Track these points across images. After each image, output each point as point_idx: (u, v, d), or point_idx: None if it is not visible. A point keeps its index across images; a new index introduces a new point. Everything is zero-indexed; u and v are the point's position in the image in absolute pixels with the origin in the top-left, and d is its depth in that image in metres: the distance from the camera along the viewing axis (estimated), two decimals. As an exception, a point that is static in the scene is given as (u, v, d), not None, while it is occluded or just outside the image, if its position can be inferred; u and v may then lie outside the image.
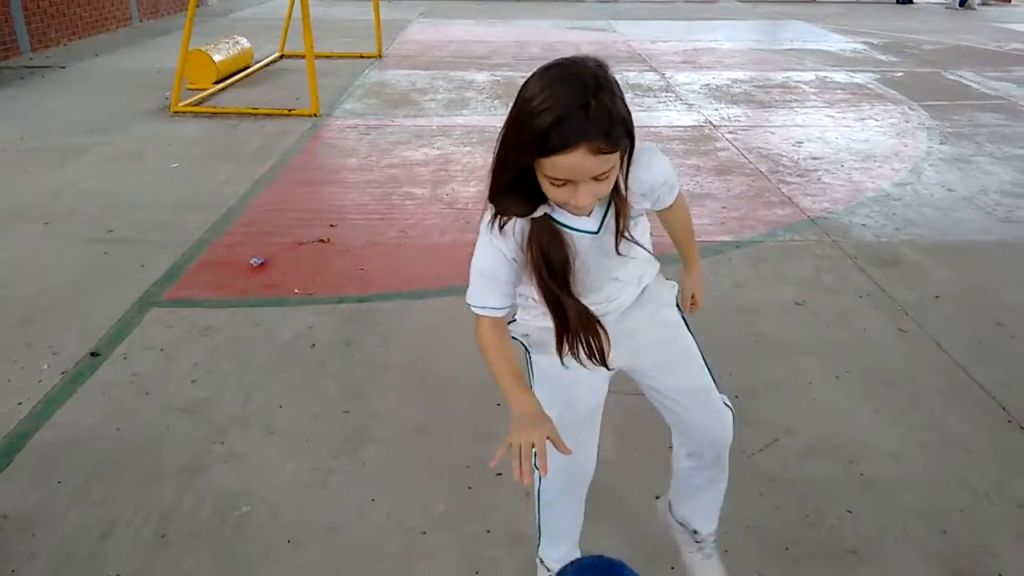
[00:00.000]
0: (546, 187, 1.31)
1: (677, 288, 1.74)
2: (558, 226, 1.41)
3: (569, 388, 1.62)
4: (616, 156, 1.29)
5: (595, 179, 1.29)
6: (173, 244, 3.99)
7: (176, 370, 2.89)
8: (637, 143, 1.37)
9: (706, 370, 1.70)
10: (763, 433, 2.59)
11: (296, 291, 3.54)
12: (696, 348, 1.70)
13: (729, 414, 1.74)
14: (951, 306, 3.47)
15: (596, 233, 1.43)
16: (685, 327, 1.70)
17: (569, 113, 1.22)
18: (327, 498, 2.27)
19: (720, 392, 1.73)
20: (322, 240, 4.10)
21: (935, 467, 2.44)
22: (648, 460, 2.40)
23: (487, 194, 1.39)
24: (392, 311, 3.36)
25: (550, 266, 1.40)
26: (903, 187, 5.06)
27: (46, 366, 2.90)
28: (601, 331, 1.48)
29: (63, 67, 8.61)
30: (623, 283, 1.56)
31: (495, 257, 1.42)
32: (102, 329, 3.16)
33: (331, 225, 4.30)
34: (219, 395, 2.74)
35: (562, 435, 1.36)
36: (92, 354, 2.98)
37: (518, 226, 1.40)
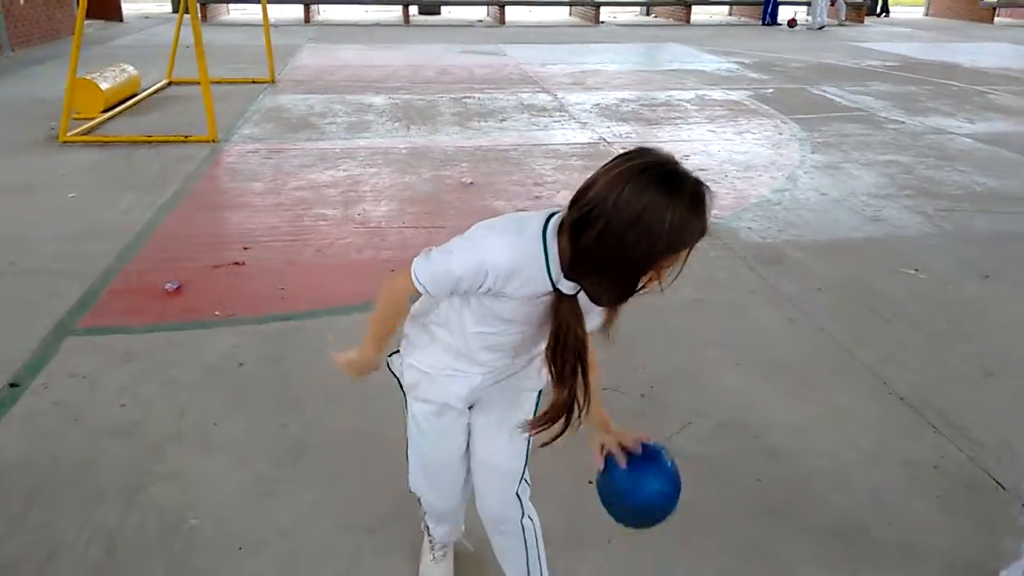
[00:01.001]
0: (645, 278, 1.37)
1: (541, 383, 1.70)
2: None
3: (436, 436, 1.72)
4: None
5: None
6: (81, 273, 3.91)
7: (102, 395, 2.87)
8: None
9: (522, 463, 1.74)
10: (678, 417, 2.81)
11: (217, 313, 3.55)
12: (526, 442, 1.72)
13: (517, 510, 1.78)
14: (832, 296, 3.83)
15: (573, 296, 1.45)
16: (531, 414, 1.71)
17: (684, 223, 1.30)
18: (274, 505, 2.33)
19: (523, 500, 1.79)
20: (237, 263, 4.11)
21: (830, 436, 2.72)
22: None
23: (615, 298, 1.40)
24: (318, 327, 3.42)
25: (574, 340, 1.43)
26: (782, 193, 5.50)
27: (-39, 400, 2.82)
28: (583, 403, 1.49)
29: (-68, 98, 8.16)
30: (534, 354, 1.61)
31: (500, 266, 1.38)
32: (18, 361, 3.08)
33: (244, 248, 4.31)
34: (150, 416, 2.75)
35: (429, 474, 1.78)
36: (11, 385, 2.91)
37: (534, 283, 1.40)
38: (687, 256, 1.36)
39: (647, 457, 1.59)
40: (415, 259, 1.49)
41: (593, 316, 1.49)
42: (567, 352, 1.44)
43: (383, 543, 2.20)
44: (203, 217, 4.86)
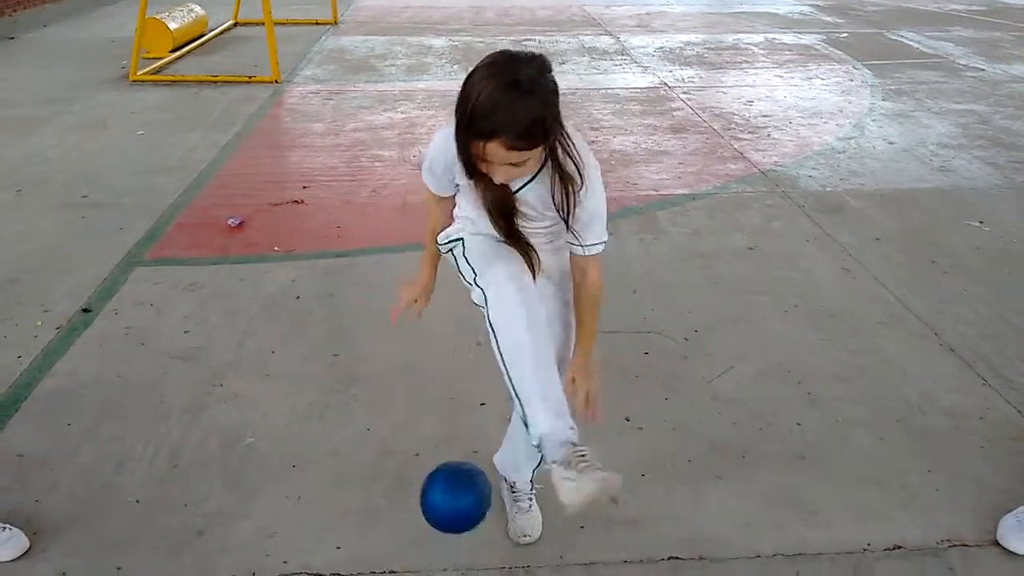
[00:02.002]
0: (474, 156, 1.48)
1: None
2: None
3: (507, 253, 1.69)
4: (533, 151, 1.44)
5: (512, 164, 1.45)
6: (149, 207, 4.08)
7: (167, 322, 3.03)
8: (578, 146, 1.56)
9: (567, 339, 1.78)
10: (720, 361, 2.83)
11: (276, 248, 3.67)
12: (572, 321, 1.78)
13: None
14: (890, 247, 3.75)
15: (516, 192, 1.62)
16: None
17: (490, 109, 1.37)
18: (325, 429, 2.45)
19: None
20: (296, 201, 4.23)
21: (874, 385, 2.71)
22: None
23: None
24: (371, 264, 3.53)
25: (498, 204, 1.62)
26: (847, 141, 5.34)
27: (40, 322, 3.01)
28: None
29: (12, 38, 8.46)
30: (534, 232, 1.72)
31: (437, 158, 1.64)
32: (90, 287, 3.27)
33: (303, 187, 4.43)
34: (212, 343, 2.89)
35: (511, 297, 1.58)
36: (84, 310, 3.10)
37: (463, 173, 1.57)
38: (511, 161, 1.43)
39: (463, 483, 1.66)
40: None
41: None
42: (498, 216, 1.63)
43: (428, 464, 2.30)
44: (265, 156, 4.99)
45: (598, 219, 1.64)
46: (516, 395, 1.59)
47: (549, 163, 1.56)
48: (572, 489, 1.50)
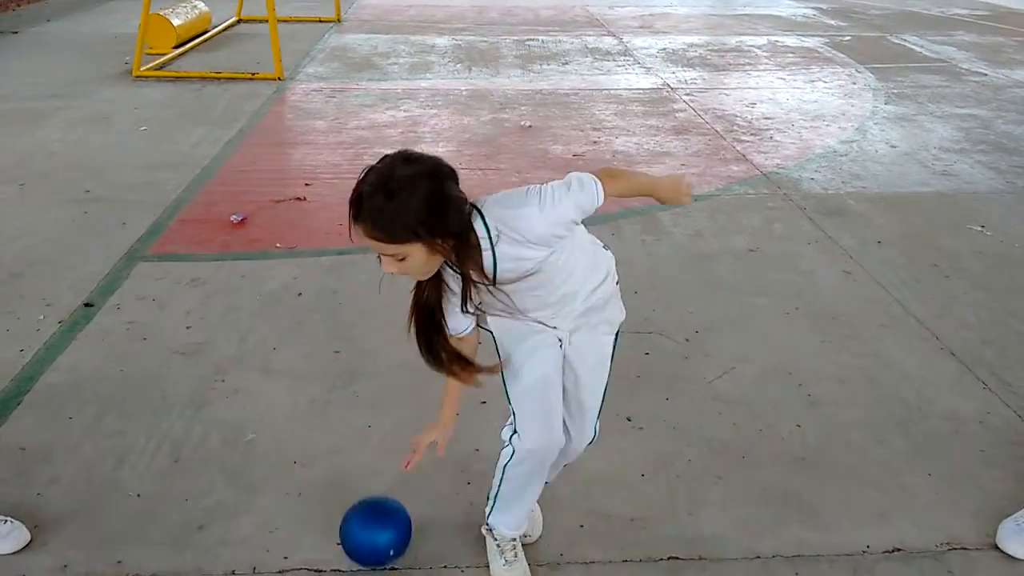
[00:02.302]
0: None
1: (623, 316, 1.85)
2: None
3: (533, 355, 1.76)
4: (404, 247, 1.45)
5: (393, 257, 1.48)
6: (151, 203, 4.09)
7: (170, 318, 3.03)
8: (495, 203, 1.55)
9: (601, 399, 1.88)
10: (721, 362, 2.84)
11: (278, 245, 3.68)
12: (606, 379, 1.86)
13: (591, 435, 1.92)
14: (891, 250, 3.76)
15: (492, 284, 1.59)
16: (609, 358, 1.85)
17: (357, 197, 1.45)
18: (327, 425, 2.46)
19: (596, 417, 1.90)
20: (299, 198, 4.23)
21: (874, 388, 2.71)
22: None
23: None
24: (373, 262, 3.50)
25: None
26: (849, 144, 5.35)
27: (42, 316, 3.01)
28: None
29: (15, 32, 8.47)
30: (566, 298, 1.71)
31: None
32: (92, 282, 3.27)
33: (306, 184, 4.43)
34: (214, 339, 2.90)
35: (537, 397, 1.75)
36: (86, 305, 3.10)
37: None
38: (381, 252, 1.49)
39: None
40: (594, 185, 1.61)
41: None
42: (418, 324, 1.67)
43: (429, 464, 2.30)
44: (267, 153, 4.99)
45: (580, 200, 1.58)
46: (495, 495, 1.92)
47: (492, 241, 1.54)
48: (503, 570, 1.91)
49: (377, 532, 1.93)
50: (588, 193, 1.59)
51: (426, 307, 1.63)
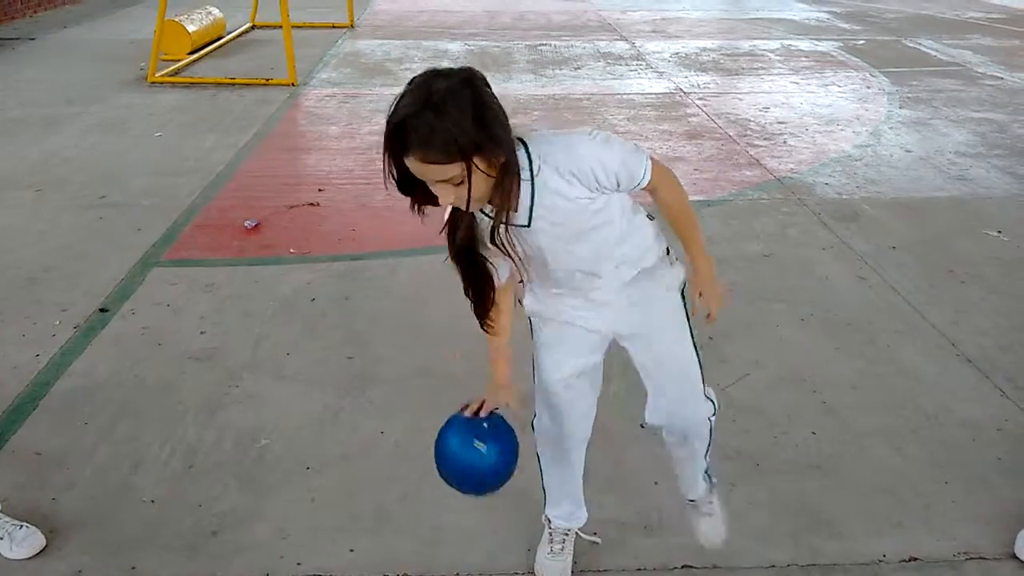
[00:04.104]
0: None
1: (683, 275, 1.75)
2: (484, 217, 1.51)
3: (555, 349, 1.75)
4: (458, 165, 1.35)
5: (450, 183, 1.38)
6: (166, 208, 4.11)
7: (184, 323, 3.05)
8: (540, 137, 1.49)
9: (694, 360, 1.77)
10: (735, 368, 2.82)
11: (292, 251, 3.69)
12: (688, 337, 1.75)
13: (708, 407, 1.82)
14: (906, 255, 3.73)
15: (527, 226, 1.52)
16: (682, 314, 1.74)
17: (400, 124, 1.34)
18: (339, 431, 2.46)
19: (707, 387, 1.82)
20: (312, 204, 4.25)
21: (890, 394, 2.69)
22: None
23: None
24: (386, 267, 3.54)
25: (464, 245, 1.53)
26: (864, 149, 5.32)
27: (58, 322, 3.03)
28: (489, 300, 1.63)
29: (32, 39, 8.55)
30: (597, 265, 1.63)
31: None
32: (107, 287, 3.29)
33: (319, 189, 4.45)
34: (228, 345, 2.91)
35: (548, 393, 1.76)
36: (101, 310, 3.12)
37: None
38: (439, 179, 1.37)
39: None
40: (646, 160, 1.55)
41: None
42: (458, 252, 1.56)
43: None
44: (281, 158, 5.02)
45: (628, 159, 1.52)
46: (543, 486, 1.95)
47: (533, 171, 1.47)
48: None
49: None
50: (638, 160, 1.53)
51: (466, 248, 1.53)
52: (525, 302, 1.76)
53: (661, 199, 1.64)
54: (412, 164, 1.37)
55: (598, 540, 2.05)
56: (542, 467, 1.94)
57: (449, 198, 1.42)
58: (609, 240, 1.62)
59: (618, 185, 1.53)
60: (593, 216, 1.56)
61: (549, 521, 1.99)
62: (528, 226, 1.53)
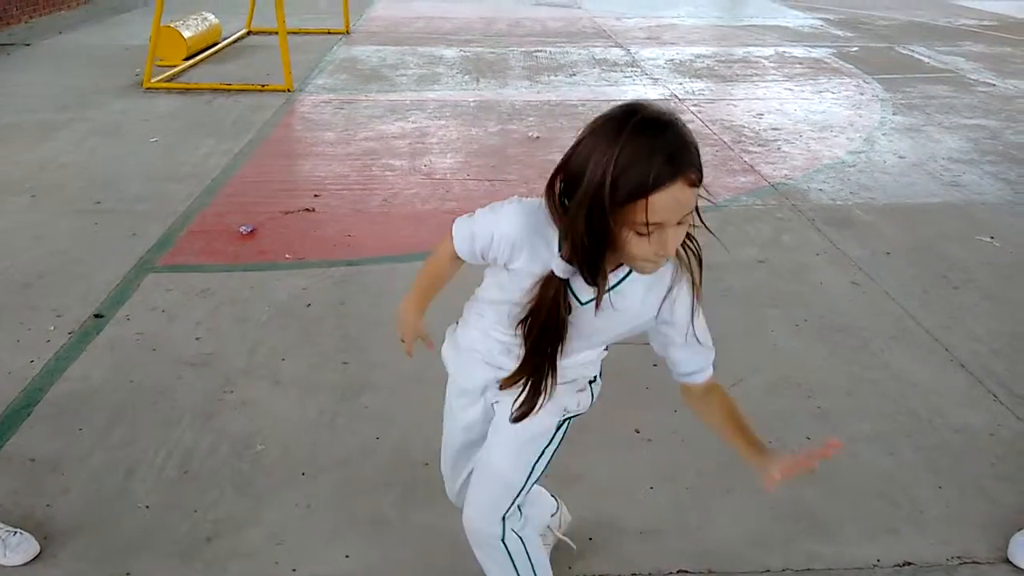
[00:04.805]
0: (631, 242, 1.24)
1: (584, 407, 1.61)
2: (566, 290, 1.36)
3: (452, 417, 1.73)
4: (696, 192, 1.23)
5: (679, 224, 1.24)
6: (162, 214, 4.11)
7: (179, 329, 3.05)
8: None
9: (516, 484, 1.60)
10: (730, 374, 2.81)
11: (287, 256, 3.70)
12: (527, 463, 1.59)
13: (499, 531, 1.62)
14: (900, 261, 3.75)
15: (583, 304, 1.38)
16: (545, 441, 1.59)
17: (683, 142, 1.21)
18: (335, 436, 2.46)
19: (507, 524, 1.63)
20: (308, 209, 4.25)
21: (884, 400, 2.70)
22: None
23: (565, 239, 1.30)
24: (381, 273, 3.54)
25: (548, 324, 1.36)
26: (857, 155, 5.35)
27: (52, 327, 3.03)
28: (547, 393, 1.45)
29: (28, 44, 8.54)
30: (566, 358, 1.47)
31: (503, 232, 1.37)
32: (102, 293, 3.29)
33: (315, 195, 4.45)
34: (223, 350, 2.91)
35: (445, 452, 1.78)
36: (96, 316, 3.12)
37: (542, 259, 1.34)
38: (682, 216, 1.23)
39: None
40: (457, 219, 1.49)
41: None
42: (538, 332, 1.36)
43: (437, 476, 2.30)
44: (277, 164, 5.02)
45: (706, 333, 1.44)
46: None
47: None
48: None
49: None
50: (707, 350, 1.48)
51: (559, 319, 1.36)
52: (444, 349, 1.69)
53: (720, 392, 1.55)
54: (671, 194, 1.19)
55: (572, 546, 2.00)
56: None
57: (681, 237, 1.28)
58: (598, 349, 1.56)
59: (679, 334, 1.44)
60: (633, 329, 1.46)
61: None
62: (583, 304, 1.38)
